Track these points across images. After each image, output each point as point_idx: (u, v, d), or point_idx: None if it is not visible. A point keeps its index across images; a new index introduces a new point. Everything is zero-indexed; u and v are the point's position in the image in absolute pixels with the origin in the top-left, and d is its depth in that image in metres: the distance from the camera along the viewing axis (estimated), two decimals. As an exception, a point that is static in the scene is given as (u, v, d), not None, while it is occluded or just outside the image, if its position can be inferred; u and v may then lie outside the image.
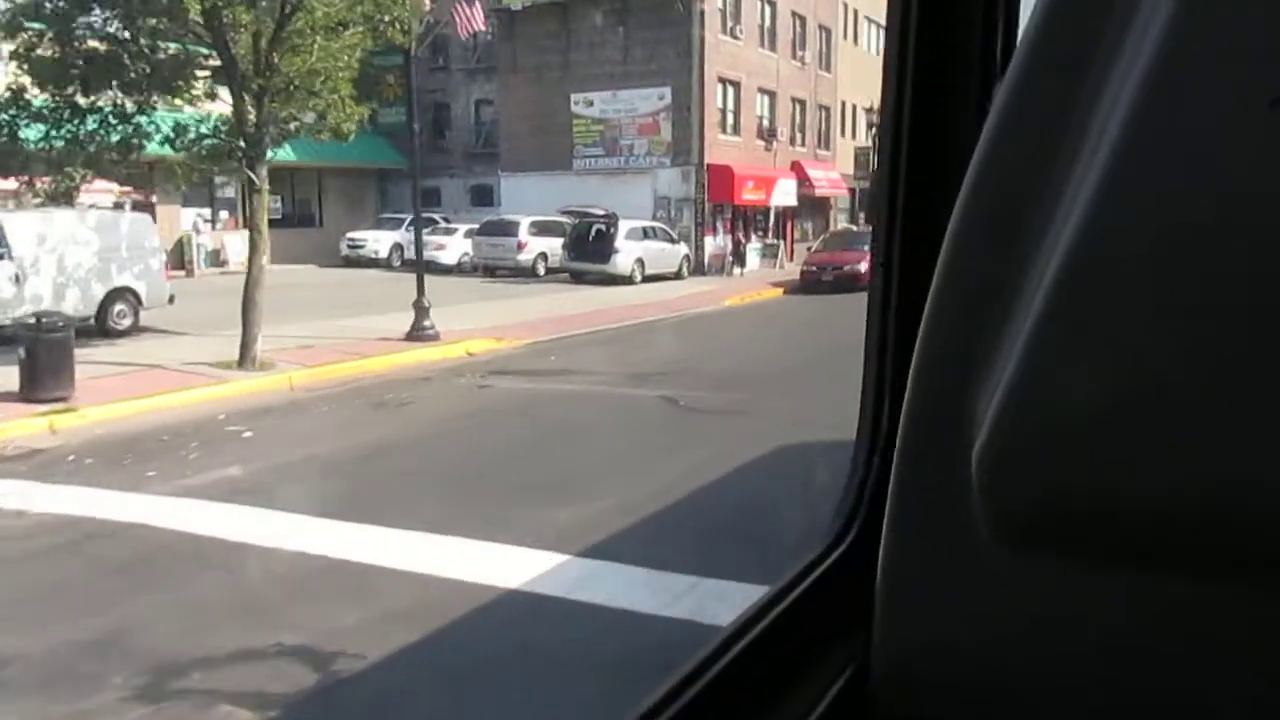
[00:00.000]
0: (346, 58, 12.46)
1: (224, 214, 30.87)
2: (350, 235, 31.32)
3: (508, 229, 28.27)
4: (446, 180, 37.84)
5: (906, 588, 0.79)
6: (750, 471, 7.28)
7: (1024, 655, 0.75)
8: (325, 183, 33.66)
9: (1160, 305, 0.57)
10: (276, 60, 11.71)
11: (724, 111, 32.14)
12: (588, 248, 26.57)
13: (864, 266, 26.11)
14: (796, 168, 35.62)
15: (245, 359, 12.27)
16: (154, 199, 22.86)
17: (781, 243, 35.13)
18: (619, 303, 21.79)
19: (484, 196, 35.75)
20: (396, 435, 9.13)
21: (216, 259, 29.35)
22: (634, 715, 0.85)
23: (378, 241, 31.07)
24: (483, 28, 25.05)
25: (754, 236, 34.32)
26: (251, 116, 11.99)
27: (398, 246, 31.06)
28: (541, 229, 28.41)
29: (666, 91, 31.02)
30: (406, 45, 13.52)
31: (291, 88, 12.32)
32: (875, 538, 0.80)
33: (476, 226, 29.53)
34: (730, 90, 32.33)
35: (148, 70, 11.20)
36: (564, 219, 28.12)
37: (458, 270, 29.32)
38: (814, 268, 26.44)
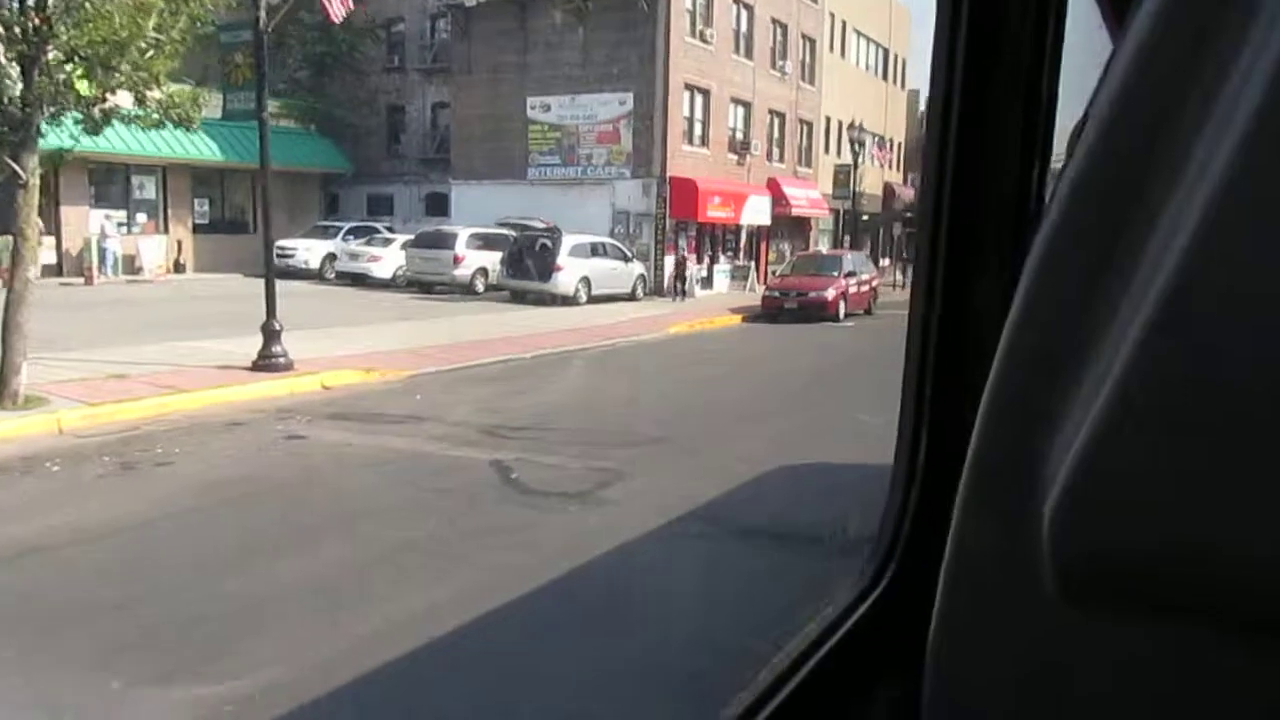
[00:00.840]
0: (151, 24, 10.02)
1: (141, 216, 28.43)
2: (280, 244, 28.57)
3: (444, 241, 25.73)
4: (400, 187, 35.47)
5: (964, 641, 0.76)
6: (511, 636, 4.76)
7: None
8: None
9: (1253, 374, 0.54)
10: (40, 23, 9.27)
11: (690, 121, 29.69)
12: (528, 264, 24.06)
13: (831, 294, 23.64)
14: (772, 185, 33.14)
15: (3, 396, 9.80)
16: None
17: (753, 264, 32.68)
18: (548, 327, 19.33)
19: (438, 205, 33.37)
20: (89, 522, 6.58)
21: (131, 265, 26.87)
22: None
23: (309, 250, 28.56)
24: (350, 7, 22.65)
25: (723, 257, 31.88)
26: (15, 92, 9.54)
27: (330, 256, 28.62)
28: (482, 242, 25.92)
29: (628, 97, 28.60)
30: (214, 15, 11.09)
31: (77, 59, 9.89)
32: (914, 577, 0.77)
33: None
34: (699, 98, 29.88)
35: None
36: (508, 231, 25.68)
37: (393, 285, 26.87)
38: (776, 293, 24.12)
